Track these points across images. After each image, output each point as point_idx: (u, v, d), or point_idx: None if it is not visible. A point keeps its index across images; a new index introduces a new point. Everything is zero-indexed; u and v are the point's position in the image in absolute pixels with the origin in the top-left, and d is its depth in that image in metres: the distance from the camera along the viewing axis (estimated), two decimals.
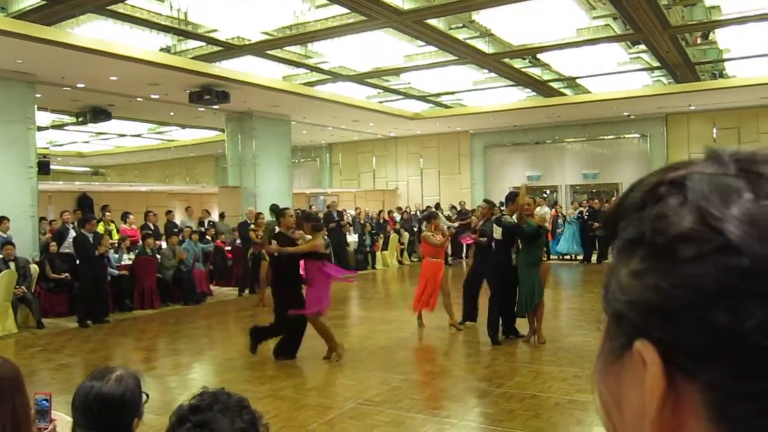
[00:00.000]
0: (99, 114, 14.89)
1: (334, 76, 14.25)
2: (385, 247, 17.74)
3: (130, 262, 11.63)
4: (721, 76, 15.19)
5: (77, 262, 10.39)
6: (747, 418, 0.33)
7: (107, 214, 13.12)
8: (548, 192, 20.60)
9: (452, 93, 16.67)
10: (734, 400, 0.33)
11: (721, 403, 0.34)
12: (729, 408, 0.33)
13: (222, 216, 15.69)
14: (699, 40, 12.55)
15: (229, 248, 14.52)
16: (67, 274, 10.64)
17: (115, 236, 12.70)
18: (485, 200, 9.42)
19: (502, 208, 9.03)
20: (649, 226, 0.37)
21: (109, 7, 9.56)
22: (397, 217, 19.69)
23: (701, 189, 0.35)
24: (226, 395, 1.62)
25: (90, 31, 10.27)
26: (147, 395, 2.08)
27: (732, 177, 0.35)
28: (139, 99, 14.00)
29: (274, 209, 11.94)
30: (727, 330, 0.32)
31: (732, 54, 13.05)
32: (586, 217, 17.01)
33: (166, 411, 5.92)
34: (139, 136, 21.38)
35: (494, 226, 7.89)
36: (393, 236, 18.11)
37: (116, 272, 11.05)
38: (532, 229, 7.62)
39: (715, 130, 17.85)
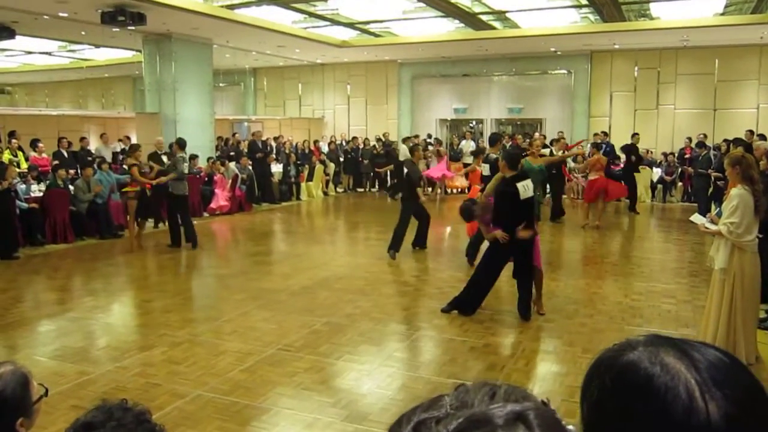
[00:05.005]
0: (1, 31, 13.79)
1: None
2: (310, 178, 17.56)
3: (41, 194, 11.05)
4: (646, 16, 15.40)
5: None
6: None
7: (13, 141, 12.31)
8: (473, 123, 20.73)
9: (381, 21, 16.28)
10: None
11: None
12: None
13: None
14: None
15: None
16: None
17: (24, 165, 12.01)
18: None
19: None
20: None
21: None
22: (324, 147, 19.43)
23: None
24: (122, 411, 1.55)
25: None
26: (46, 389, 1.97)
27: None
28: (45, 17, 13.01)
29: (179, 142, 10.82)
30: None
31: None
32: None
33: (82, 358, 5.78)
34: (48, 54, 20.01)
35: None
36: (318, 167, 17.91)
37: (25, 206, 10.49)
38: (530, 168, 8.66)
39: (636, 69, 18.23)
